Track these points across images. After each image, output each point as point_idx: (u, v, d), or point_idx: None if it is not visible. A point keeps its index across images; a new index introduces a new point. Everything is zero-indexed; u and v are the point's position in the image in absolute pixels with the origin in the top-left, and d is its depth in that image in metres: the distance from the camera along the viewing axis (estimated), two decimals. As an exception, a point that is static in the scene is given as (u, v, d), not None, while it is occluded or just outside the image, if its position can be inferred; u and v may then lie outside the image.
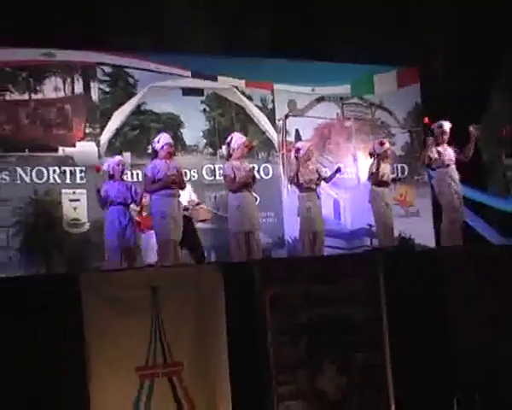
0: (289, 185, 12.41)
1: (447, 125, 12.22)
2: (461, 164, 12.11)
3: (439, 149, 11.98)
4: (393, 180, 12.56)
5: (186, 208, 12.01)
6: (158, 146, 10.83)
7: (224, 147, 12.27)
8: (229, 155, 11.24)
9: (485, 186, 15.02)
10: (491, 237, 14.14)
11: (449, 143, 12.13)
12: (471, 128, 11.99)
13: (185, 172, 12.61)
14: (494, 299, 9.18)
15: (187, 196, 12.26)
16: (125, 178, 11.61)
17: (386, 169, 12.14)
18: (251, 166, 11.92)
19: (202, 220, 12.55)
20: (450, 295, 9.00)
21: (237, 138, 11.33)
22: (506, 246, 11.71)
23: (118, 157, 11.73)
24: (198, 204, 12.46)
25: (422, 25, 15.95)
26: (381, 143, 12.41)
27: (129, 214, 11.00)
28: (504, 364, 9.06)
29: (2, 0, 12.42)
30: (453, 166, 11.89)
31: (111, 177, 11.13)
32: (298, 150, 12.01)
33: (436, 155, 11.96)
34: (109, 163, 11.38)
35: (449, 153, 11.93)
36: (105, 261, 11.24)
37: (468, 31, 15.60)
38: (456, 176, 11.90)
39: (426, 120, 13.10)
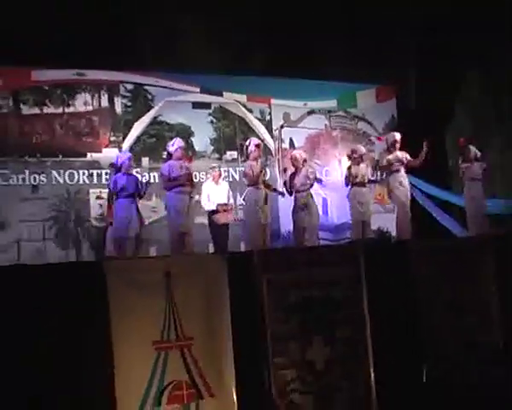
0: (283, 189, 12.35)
1: (398, 136, 12.20)
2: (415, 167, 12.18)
3: (390, 156, 11.95)
4: (370, 181, 12.41)
5: (216, 211, 12.09)
6: (172, 149, 10.79)
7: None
8: (247, 156, 11.22)
9: (451, 186, 15.04)
10: (455, 230, 14.17)
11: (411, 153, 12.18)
12: (424, 141, 11.98)
13: (221, 173, 12.91)
14: (455, 281, 9.26)
15: (224, 197, 12.28)
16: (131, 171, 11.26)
17: (360, 171, 11.99)
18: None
19: (223, 224, 12.45)
20: (419, 279, 9.05)
21: (253, 141, 11.33)
22: (467, 238, 11.73)
23: (128, 153, 11.59)
24: (225, 205, 12.45)
25: (398, 50, 16.00)
26: (353, 151, 12.34)
27: (135, 206, 10.77)
28: (463, 337, 9.17)
29: (40, 29, 12.48)
30: (403, 172, 11.86)
31: (118, 170, 10.85)
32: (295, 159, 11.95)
33: (385, 162, 11.94)
34: (119, 156, 11.12)
35: (399, 159, 11.92)
36: (114, 250, 10.81)
37: (436, 53, 15.62)
38: (406, 179, 11.87)
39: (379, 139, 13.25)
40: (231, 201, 12.65)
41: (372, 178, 12.74)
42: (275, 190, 12.31)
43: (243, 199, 11.85)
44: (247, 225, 11.25)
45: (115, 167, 10.97)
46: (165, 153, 11.14)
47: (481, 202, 12.37)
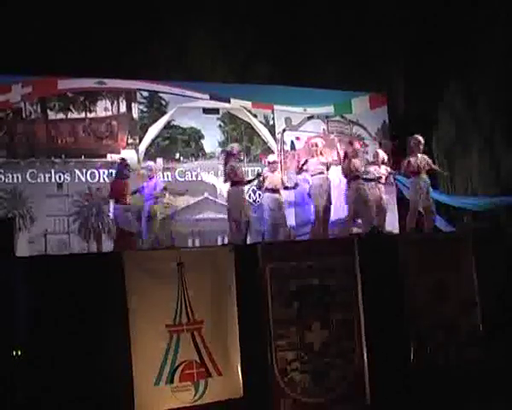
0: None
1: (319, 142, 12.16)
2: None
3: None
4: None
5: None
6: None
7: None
8: None
9: (437, 185, 15.06)
10: (440, 224, 14.15)
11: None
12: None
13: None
14: (439, 271, 9.31)
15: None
16: None
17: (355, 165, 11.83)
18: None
19: None
20: (406, 268, 9.10)
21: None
22: (450, 232, 11.77)
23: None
24: None
25: (388, 61, 16.06)
26: (350, 143, 12.10)
27: None
28: (446, 321, 9.24)
29: (66, 43, 12.59)
30: (326, 174, 11.73)
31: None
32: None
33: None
34: (234, 147, 11.30)
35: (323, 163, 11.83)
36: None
37: (423, 65, 15.70)
38: (327, 181, 11.73)
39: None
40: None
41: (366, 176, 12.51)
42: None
43: None
44: None
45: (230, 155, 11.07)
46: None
47: (385, 201, 12.31)
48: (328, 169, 11.77)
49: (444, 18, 15.48)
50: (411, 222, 11.44)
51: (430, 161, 11.69)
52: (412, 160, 11.45)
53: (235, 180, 10.94)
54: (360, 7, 15.59)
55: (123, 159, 12.00)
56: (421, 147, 11.71)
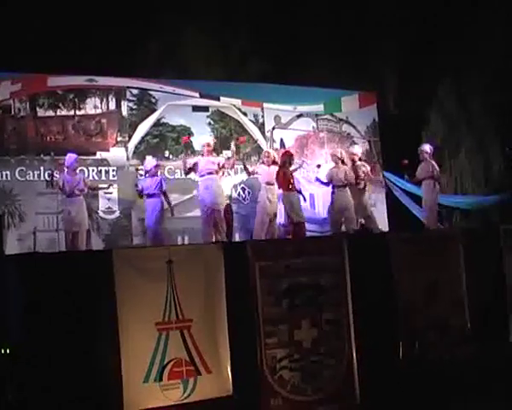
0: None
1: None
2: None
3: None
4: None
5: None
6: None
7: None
8: None
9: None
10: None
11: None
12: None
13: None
14: (429, 269, 9.33)
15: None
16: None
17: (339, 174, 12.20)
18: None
19: None
20: (396, 267, 9.11)
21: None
22: (440, 230, 11.81)
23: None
24: None
25: (378, 60, 16.09)
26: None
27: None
28: (436, 319, 9.26)
29: (56, 40, 12.58)
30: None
31: None
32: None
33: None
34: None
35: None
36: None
37: (413, 64, 15.73)
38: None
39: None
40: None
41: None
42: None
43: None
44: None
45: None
46: None
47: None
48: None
49: (441, 18, 15.52)
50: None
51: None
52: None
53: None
54: (356, 7, 15.64)
55: (288, 151, 12.62)
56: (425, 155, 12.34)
